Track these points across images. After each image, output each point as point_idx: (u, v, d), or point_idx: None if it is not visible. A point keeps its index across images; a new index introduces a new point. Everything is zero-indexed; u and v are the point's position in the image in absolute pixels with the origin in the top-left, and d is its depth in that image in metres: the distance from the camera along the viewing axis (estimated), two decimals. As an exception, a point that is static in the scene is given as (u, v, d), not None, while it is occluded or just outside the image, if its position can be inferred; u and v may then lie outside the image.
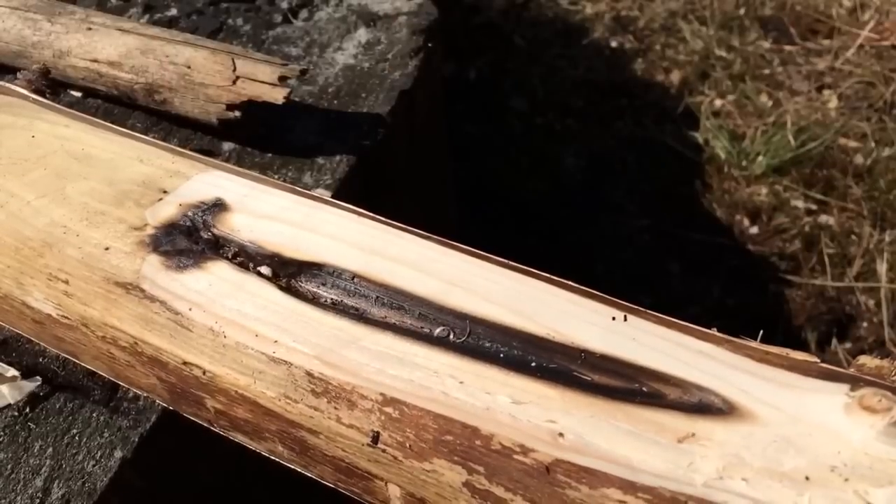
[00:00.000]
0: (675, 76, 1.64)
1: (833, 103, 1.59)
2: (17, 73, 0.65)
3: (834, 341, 1.22)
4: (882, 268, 1.30)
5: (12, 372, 0.52)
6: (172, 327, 0.40)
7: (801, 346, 1.18)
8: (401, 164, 0.77)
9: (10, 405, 0.51)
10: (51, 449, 0.49)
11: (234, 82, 0.64)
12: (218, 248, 0.42)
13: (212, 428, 0.43)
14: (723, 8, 1.79)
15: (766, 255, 1.36)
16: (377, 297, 0.38)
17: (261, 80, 0.63)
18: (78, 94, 0.73)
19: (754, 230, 1.40)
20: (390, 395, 0.35)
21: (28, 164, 0.49)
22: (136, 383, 0.45)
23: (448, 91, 0.99)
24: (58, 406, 0.51)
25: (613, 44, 1.75)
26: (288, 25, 0.83)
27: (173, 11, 0.85)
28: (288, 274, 0.40)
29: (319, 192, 0.63)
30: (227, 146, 0.69)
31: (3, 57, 0.74)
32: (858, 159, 1.46)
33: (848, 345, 1.22)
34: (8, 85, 0.59)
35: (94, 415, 0.50)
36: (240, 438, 0.42)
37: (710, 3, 1.80)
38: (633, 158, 1.51)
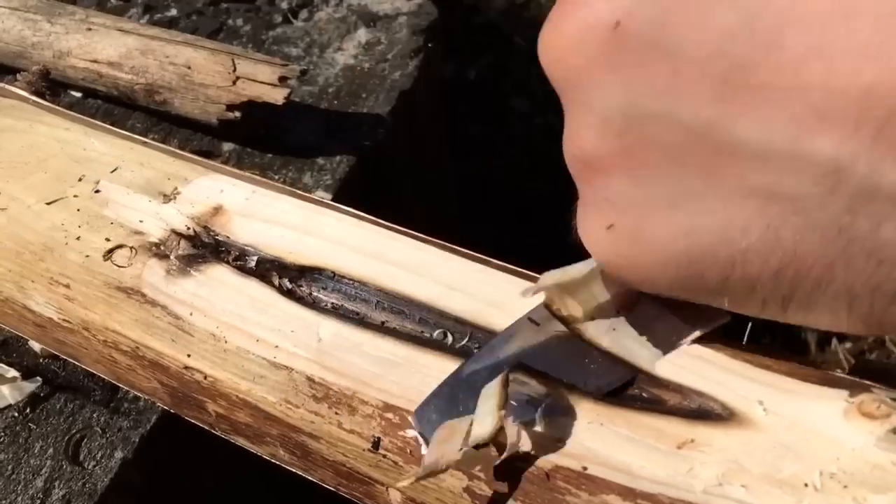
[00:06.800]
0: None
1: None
2: (17, 75, 0.65)
3: (834, 341, 1.22)
4: (882, 267, 1.29)
5: (13, 373, 0.52)
6: (173, 332, 0.40)
7: (802, 345, 1.18)
8: (401, 164, 0.77)
9: (10, 406, 0.51)
10: (51, 449, 0.49)
11: (234, 83, 0.64)
12: (218, 252, 0.42)
13: (213, 431, 0.43)
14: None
15: (766, 255, 1.36)
16: (378, 301, 0.38)
17: (261, 81, 0.63)
18: (78, 94, 0.73)
19: (754, 230, 1.40)
20: (391, 400, 0.35)
21: (28, 168, 0.49)
22: (138, 387, 0.45)
23: (448, 91, 0.99)
24: (58, 407, 0.51)
25: (614, 43, 1.74)
26: (288, 26, 0.83)
27: (173, 12, 0.85)
28: (289, 278, 0.40)
29: (320, 194, 0.63)
30: (227, 146, 0.69)
31: (3, 58, 0.74)
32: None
33: (848, 345, 1.22)
34: (8, 87, 0.59)
35: (95, 415, 0.50)
36: (241, 442, 0.42)
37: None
38: (633, 158, 1.50)
